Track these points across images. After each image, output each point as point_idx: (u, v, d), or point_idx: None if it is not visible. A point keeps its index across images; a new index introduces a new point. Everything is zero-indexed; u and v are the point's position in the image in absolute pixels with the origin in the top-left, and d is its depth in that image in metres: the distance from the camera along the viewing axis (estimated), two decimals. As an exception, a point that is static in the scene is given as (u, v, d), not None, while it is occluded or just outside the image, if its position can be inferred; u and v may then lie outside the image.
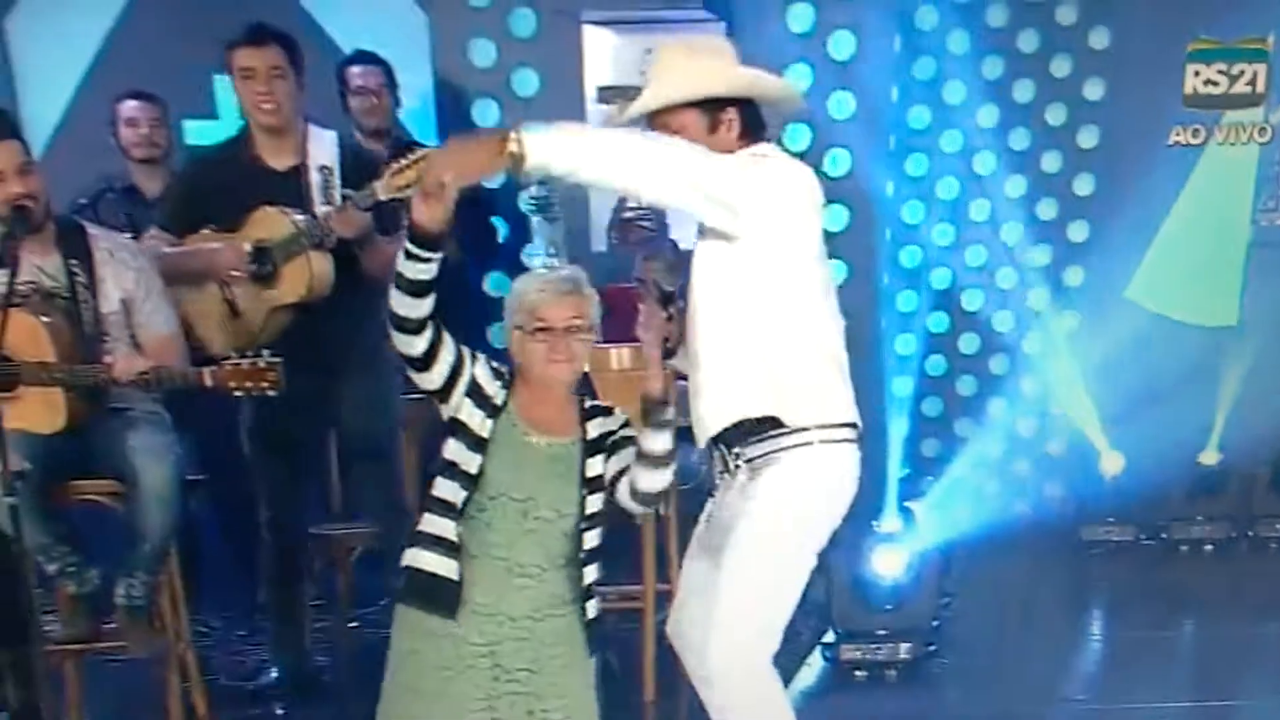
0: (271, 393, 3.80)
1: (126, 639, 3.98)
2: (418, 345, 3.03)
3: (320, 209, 4.14)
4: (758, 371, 3.19)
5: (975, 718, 4.37)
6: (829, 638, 4.80)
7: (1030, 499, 6.60)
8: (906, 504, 5.15)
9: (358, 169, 4.16)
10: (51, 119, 5.86)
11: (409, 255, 2.92)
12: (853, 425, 3.28)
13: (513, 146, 2.87)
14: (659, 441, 3.07)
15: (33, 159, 3.99)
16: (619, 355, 4.37)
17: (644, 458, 3.09)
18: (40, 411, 3.88)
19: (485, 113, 5.94)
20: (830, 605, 4.77)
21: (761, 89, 3.30)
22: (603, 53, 6.04)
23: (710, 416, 3.23)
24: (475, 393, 3.10)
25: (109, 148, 5.23)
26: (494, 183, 5.13)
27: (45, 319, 3.88)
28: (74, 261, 4.01)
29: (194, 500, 4.51)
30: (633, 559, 4.39)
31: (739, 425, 3.22)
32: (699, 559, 3.44)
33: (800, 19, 6.03)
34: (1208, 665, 5.02)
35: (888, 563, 4.80)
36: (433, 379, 3.08)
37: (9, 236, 3.75)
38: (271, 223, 4.11)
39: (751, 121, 3.26)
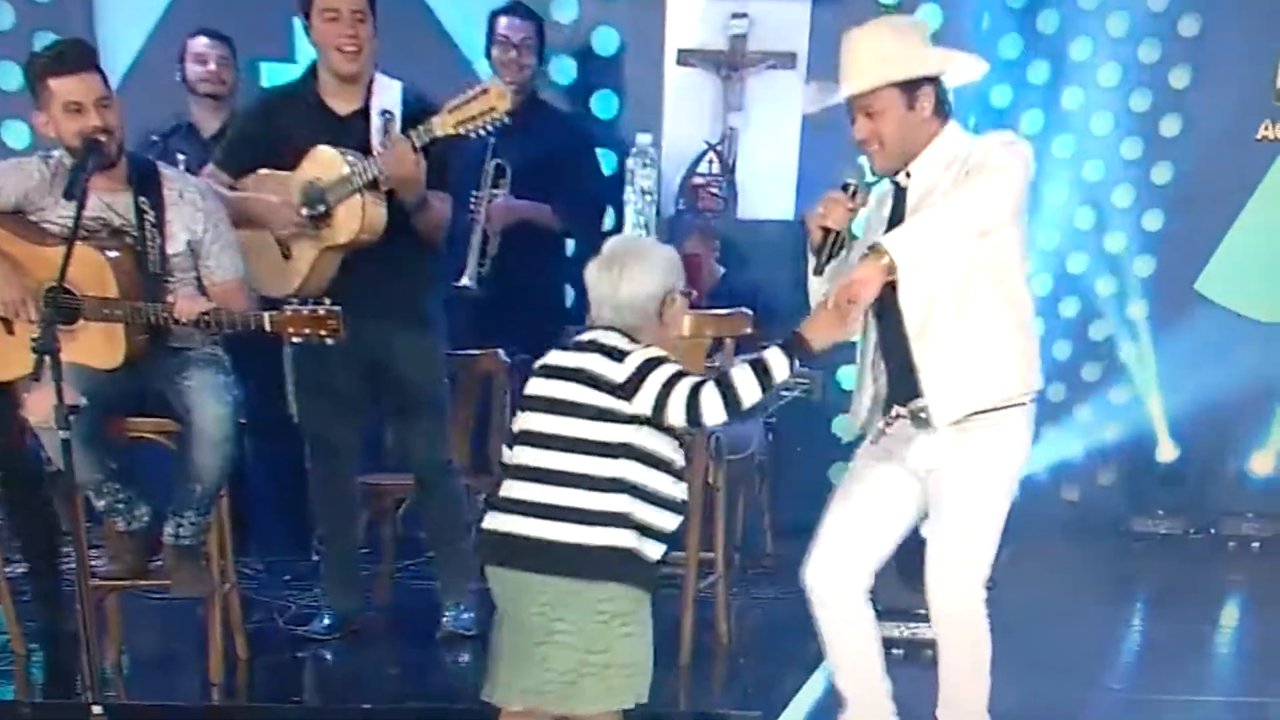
0: (330, 341, 3.69)
1: (172, 578, 3.89)
2: None
3: (376, 149, 4.01)
4: (1013, 348, 3.29)
5: (1009, 702, 4.17)
6: (869, 614, 4.64)
7: (1081, 487, 6.43)
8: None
9: (421, 117, 4.00)
10: (127, 56, 5.73)
11: (791, 364, 3.09)
12: None
13: (885, 260, 3.05)
14: (784, 371, 3.09)
15: (112, 93, 3.86)
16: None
17: (762, 373, 3.07)
18: (99, 347, 3.78)
19: (564, 70, 5.79)
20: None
21: (951, 66, 3.33)
22: (685, 15, 5.87)
23: (966, 400, 3.27)
24: None
25: (179, 85, 5.15)
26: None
27: (111, 254, 3.77)
28: (144, 199, 3.88)
29: (248, 444, 4.41)
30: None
31: None
32: (863, 507, 3.45)
33: (892, -8, 5.83)
34: (1246, 662, 4.88)
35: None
36: None
37: (80, 169, 3.61)
38: (326, 162, 3.98)
39: (942, 96, 3.30)
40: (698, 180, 5.67)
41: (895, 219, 3.30)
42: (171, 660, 4.35)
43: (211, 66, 5.13)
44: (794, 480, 5.30)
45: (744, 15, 5.75)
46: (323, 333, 3.67)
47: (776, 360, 3.06)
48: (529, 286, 4.97)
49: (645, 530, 3.02)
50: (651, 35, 5.83)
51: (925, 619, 4.49)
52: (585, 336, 3.08)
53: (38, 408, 3.54)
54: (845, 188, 3.24)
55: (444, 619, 4.35)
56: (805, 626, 3.52)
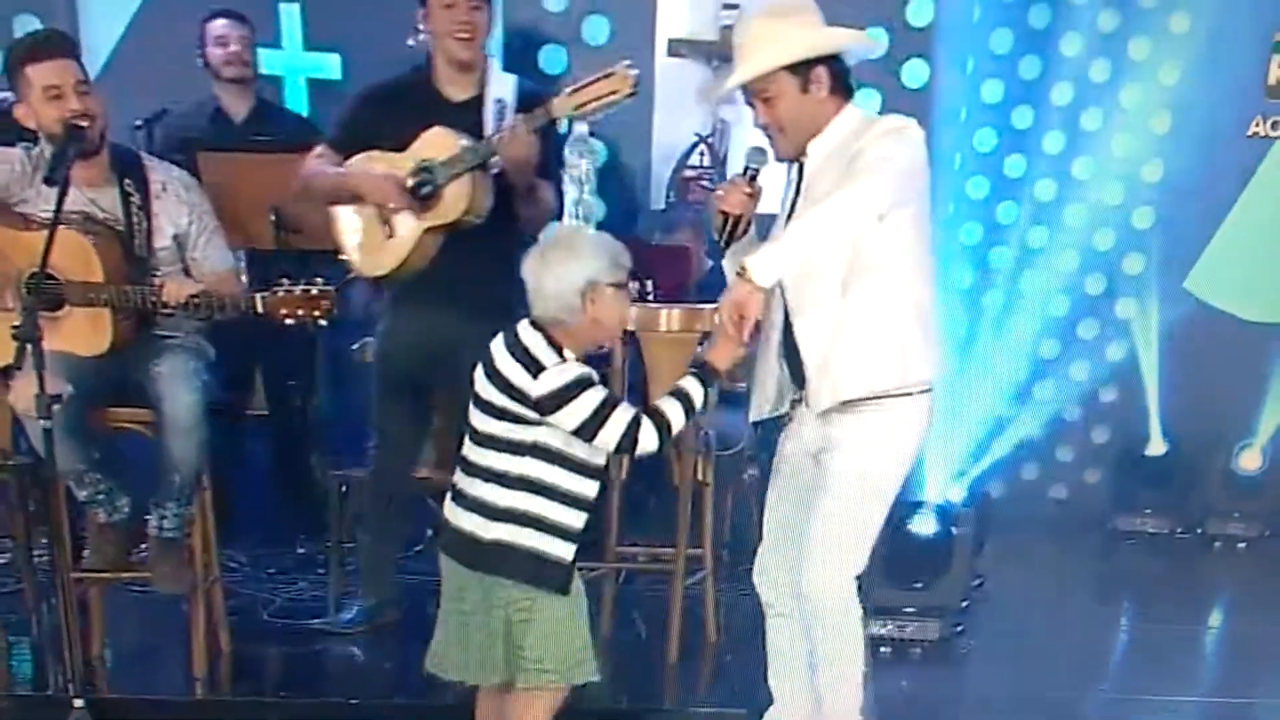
0: (323, 321, 3.68)
1: (154, 572, 3.85)
2: None
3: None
4: (893, 339, 3.25)
5: (996, 700, 4.21)
6: (858, 612, 4.63)
7: (1069, 485, 6.42)
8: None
9: (532, 107, 3.97)
10: (108, 44, 5.59)
11: (706, 391, 3.16)
12: None
13: (752, 281, 3.02)
14: (700, 398, 3.15)
15: (90, 80, 3.81)
16: (668, 316, 4.19)
17: (686, 403, 3.13)
18: (85, 333, 3.73)
19: (554, 59, 5.73)
20: (862, 580, 4.58)
21: (843, 45, 3.30)
22: (676, 5, 5.82)
23: (847, 386, 3.25)
24: None
25: (162, 73, 5.10)
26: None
27: (94, 238, 3.73)
28: (129, 183, 3.85)
29: (231, 435, 4.37)
30: (667, 522, 4.27)
31: None
32: (786, 498, 3.47)
33: (882, -19, 5.78)
34: (1230, 663, 4.91)
35: (921, 539, 4.68)
36: None
37: (61, 154, 3.57)
38: (438, 143, 3.94)
39: (840, 75, 3.27)
40: (688, 173, 5.62)
41: (795, 198, 3.31)
42: (155, 653, 4.29)
43: (234, 48, 5.08)
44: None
45: (735, 6, 5.65)
46: (316, 313, 3.66)
47: (694, 389, 3.14)
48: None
49: (550, 528, 3.07)
50: (642, 25, 5.76)
51: (914, 617, 4.56)
52: (518, 330, 3.10)
53: (21, 396, 3.49)
54: (745, 171, 3.27)
55: None
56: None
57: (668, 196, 5.69)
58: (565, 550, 3.09)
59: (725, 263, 3.37)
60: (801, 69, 3.19)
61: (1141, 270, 6.25)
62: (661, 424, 3.07)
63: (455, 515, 3.13)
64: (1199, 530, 6.18)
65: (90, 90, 3.74)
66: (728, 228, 3.27)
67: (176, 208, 3.89)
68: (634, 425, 3.04)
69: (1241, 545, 6.13)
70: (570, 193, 4.63)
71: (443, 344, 4.01)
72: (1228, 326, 6.23)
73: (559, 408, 2.99)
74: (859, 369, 3.23)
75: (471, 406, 3.11)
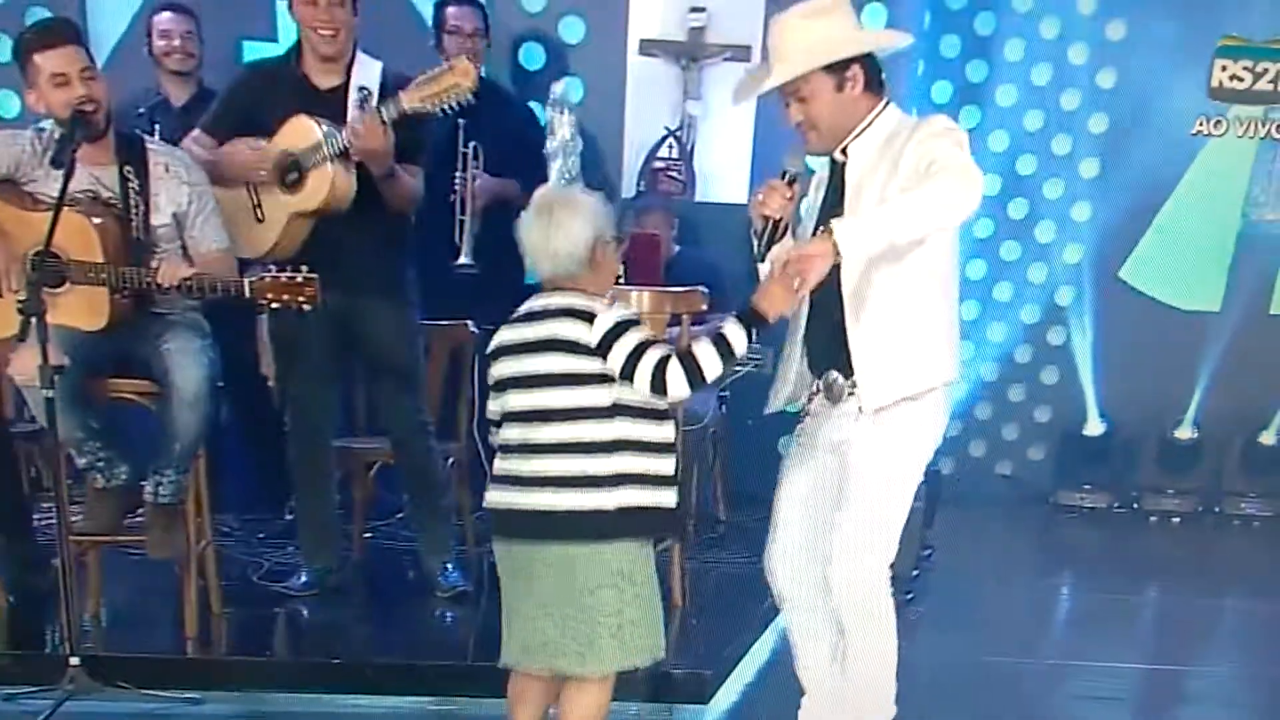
0: (307, 307, 3.64)
1: (149, 537, 3.80)
2: None
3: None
4: (933, 338, 3.12)
5: (944, 664, 4.22)
6: (813, 579, 4.65)
7: (1014, 462, 6.52)
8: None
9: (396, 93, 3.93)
10: (115, 33, 5.60)
11: (749, 336, 2.95)
12: None
13: (833, 242, 2.87)
14: (742, 343, 2.95)
15: (95, 66, 3.79)
16: (638, 298, 4.16)
17: (724, 347, 2.94)
18: (84, 309, 3.70)
19: (532, 56, 5.76)
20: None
21: (878, 45, 3.17)
22: (648, 6, 5.86)
23: (890, 388, 3.10)
24: None
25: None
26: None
27: (96, 220, 3.70)
28: (129, 169, 3.82)
29: (225, 405, 4.33)
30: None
31: None
32: (811, 494, 3.29)
33: (832, -10, 5.82)
34: (1163, 632, 4.95)
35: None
36: None
37: (68, 139, 3.56)
38: (301, 131, 3.93)
39: (873, 72, 3.11)
40: (658, 164, 5.66)
41: (832, 197, 3.16)
42: (148, 614, 4.25)
43: (176, 41, 5.04)
44: (746, 451, 5.25)
45: (702, 9, 5.77)
46: (300, 299, 3.62)
47: (735, 334, 2.93)
48: (506, 258, 4.94)
49: (651, 480, 2.92)
50: (616, 25, 5.80)
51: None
52: (539, 304, 2.96)
53: (23, 367, 3.48)
54: (784, 175, 3.09)
55: (438, 580, 4.26)
56: (755, 590, 3.49)
57: (638, 186, 5.73)
58: (668, 496, 2.95)
59: (763, 267, 3.15)
60: (837, 68, 3.04)
61: (1079, 260, 6.35)
62: (691, 367, 2.88)
63: (527, 497, 2.93)
64: (1135, 505, 6.28)
65: (95, 76, 3.72)
66: (767, 231, 3.08)
67: (177, 188, 3.87)
68: (661, 366, 2.86)
69: (1175, 520, 6.24)
70: (556, 156, 4.64)
71: (333, 315, 3.98)
72: (1159, 314, 6.33)
73: (613, 345, 2.86)
74: (915, 367, 3.10)
75: (517, 393, 2.95)
